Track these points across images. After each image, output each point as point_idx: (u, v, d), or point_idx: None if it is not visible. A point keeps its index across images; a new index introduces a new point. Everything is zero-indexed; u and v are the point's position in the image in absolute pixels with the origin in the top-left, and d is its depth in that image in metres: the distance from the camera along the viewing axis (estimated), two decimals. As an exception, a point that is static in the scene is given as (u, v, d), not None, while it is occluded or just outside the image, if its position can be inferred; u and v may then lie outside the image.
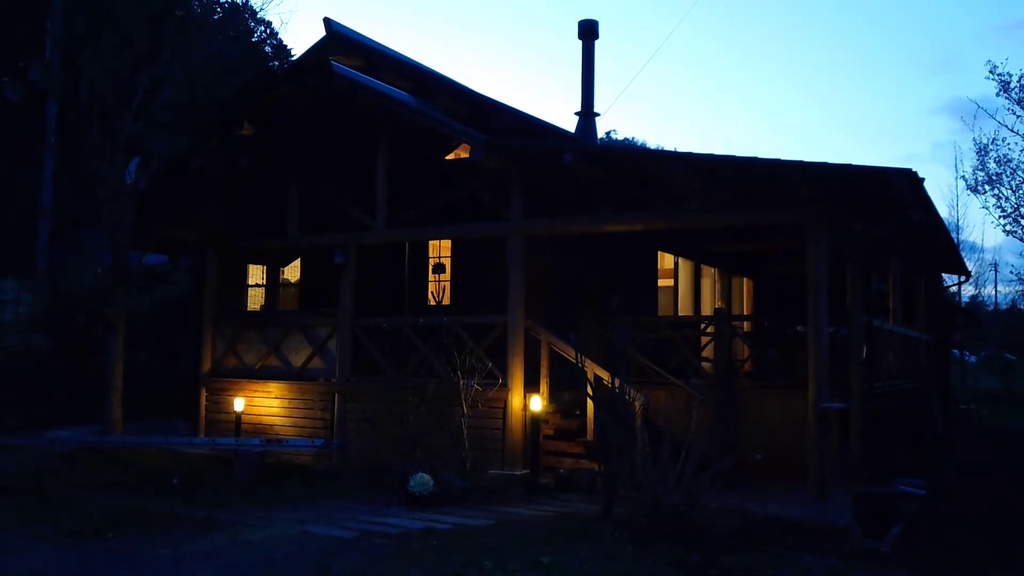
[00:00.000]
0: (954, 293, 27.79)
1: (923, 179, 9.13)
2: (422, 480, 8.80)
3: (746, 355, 14.70)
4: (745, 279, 18.78)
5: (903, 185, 8.67)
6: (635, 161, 8.95)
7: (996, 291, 44.14)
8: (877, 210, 9.18)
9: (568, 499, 9.34)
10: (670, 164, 8.51)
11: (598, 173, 9.57)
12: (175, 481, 10.22)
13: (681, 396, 10.80)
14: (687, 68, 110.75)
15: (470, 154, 9.84)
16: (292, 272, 15.86)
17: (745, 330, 14.81)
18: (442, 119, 10.36)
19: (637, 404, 9.40)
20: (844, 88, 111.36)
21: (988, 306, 45.59)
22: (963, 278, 22.65)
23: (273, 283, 15.37)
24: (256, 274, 15.72)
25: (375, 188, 11.49)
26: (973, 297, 42.10)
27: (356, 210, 11.66)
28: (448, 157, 12.86)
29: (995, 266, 41.99)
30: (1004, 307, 46.39)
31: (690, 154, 8.41)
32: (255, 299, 15.87)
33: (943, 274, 21.86)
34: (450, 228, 11.20)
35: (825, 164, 7.87)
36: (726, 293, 17.65)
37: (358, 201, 11.76)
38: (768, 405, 10.79)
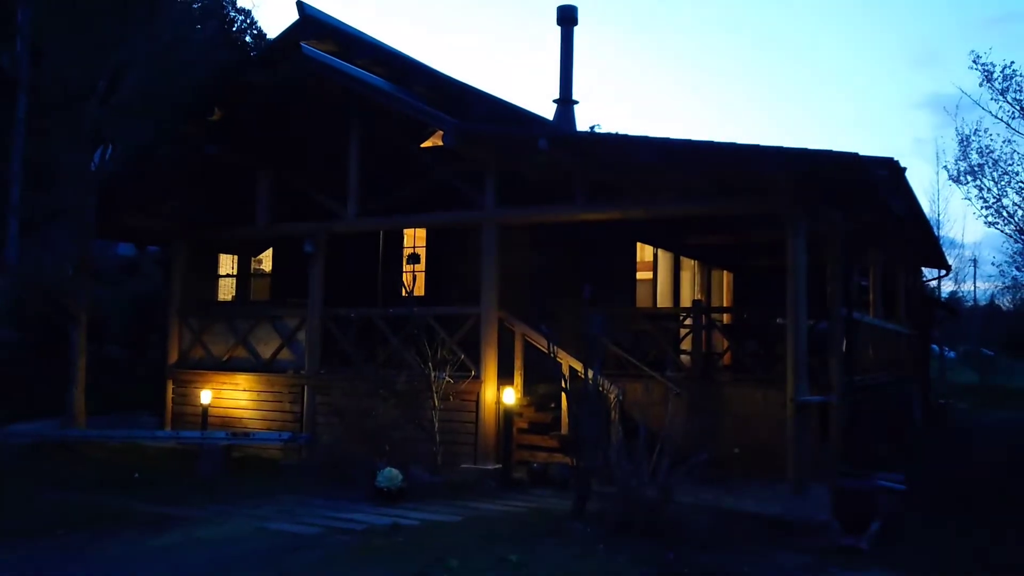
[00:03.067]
0: (933, 288, 27.85)
1: (905, 168, 8.96)
2: (390, 475, 8.52)
3: (725, 348, 14.55)
4: (725, 272, 18.61)
5: (885, 174, 8.50)
6: (611, 147, 8.70)
7: (975, 287, 44.29)
8: (858, 199, 8.99)
9: (541, 494, 9.09)
10: (647, 150, 8.27)
11: (574, 160, 9.32)
12: (136, 476, 9.89)
13: (658, 389, 10.61)
14: (671, 62, 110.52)
15: (443, 140, 9.56)
16: (265, 262, 15.51)
17: (725, 322, 14.65)
18: (413, 102, 10.07)
19: (612, 397, 9.17)
20: (823, 82, 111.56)
21: (967, 302, 45.80)
22: (943, 272, 22.66)
23: (244, 273, 15.03)
24: (227, 264, 15.37)
25: (347, 176, 11.18)
26: (952, 293, 42.24)
27: (327, 198, 11.35)
28: (424, 145, 12.54)
29: (974, 262, 42.10)
30: (982, 303, 46.59)
31: (667, 139, 8.17)
32: (227, 289, 15.51)
33: (923, 268, 21.84)
34: (422, 217, 10.91)
35: (805, 150, 7.66)
36: (706, 286, 17.46)
37: (330, 189, 11.44)
38: (747, 398, 10.62)
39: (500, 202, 10.13)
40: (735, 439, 10.52)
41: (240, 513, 8.22)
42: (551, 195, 10.13)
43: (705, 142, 7.96)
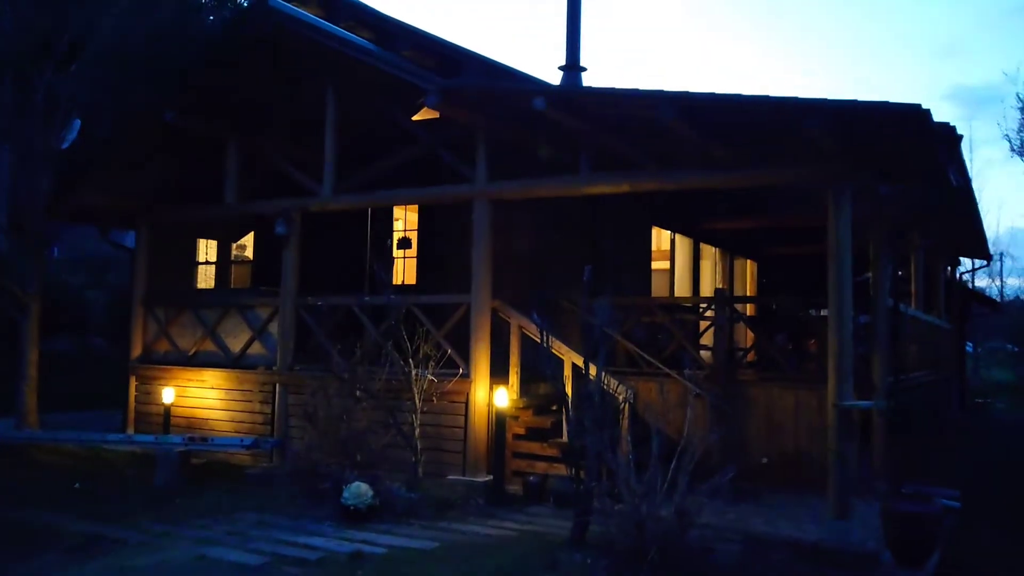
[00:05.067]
0: (966, 280, 26.34)
1: (961, 136, 7.61)
2: (357, 491, 7.26)
3: (749, 343, 13.19)
4: (748, 261, 17.22)
5: (938, 143, 7.16)
6: (619, 104, 7.39)
7: (1002, 282, 42.32)
8: (915, 167, 7.63)
9: (537, 512, 7.80)
10: (662, 107, 6.93)
11: (577, 123, 8.00)
12: (76, 486, 8.71)
13: (675, 389, 9.32)
14: (686, 35, 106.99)
15: (425, 102, 8.27)
16: (248, 248, 14.29)
17: (750, 315, 13.32)
18: (388, 57, 8.82)
19: (621, 398, 7.86)
20: (844, 74, 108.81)
21: (994, 297, 43.93)
22: (983, 263, 21.14)
23: (225, 260, 13.80)
24: (209, 250, 14.16)
25: (323, 149, 9.92)
26: (980, 289, 40.50)
27: (301, 173, 10.09)
28: (416, 118, 11.24)
29: (1001, 256, 40.17)
30: (1009, 298, 44.70)
31: (687, 93, 6.83)
32: (207, 278, 14.31)
33: (961, 258, 20.33)
34: (405, 192, 9.61)
35: (856, 101, 6.29)
36: (728, 276, 16.08)
37: (305, 164, 10.19)
38: (776, 400, 9.31)
39: (493, 175, 8.84)
40: (763, 447, 9.23)
41: (185, 535, 7.00)
42: (552, 166, 8.84)
43: (733, 95, 6.62)
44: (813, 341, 12.22)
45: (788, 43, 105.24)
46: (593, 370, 6.71)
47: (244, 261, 14.14)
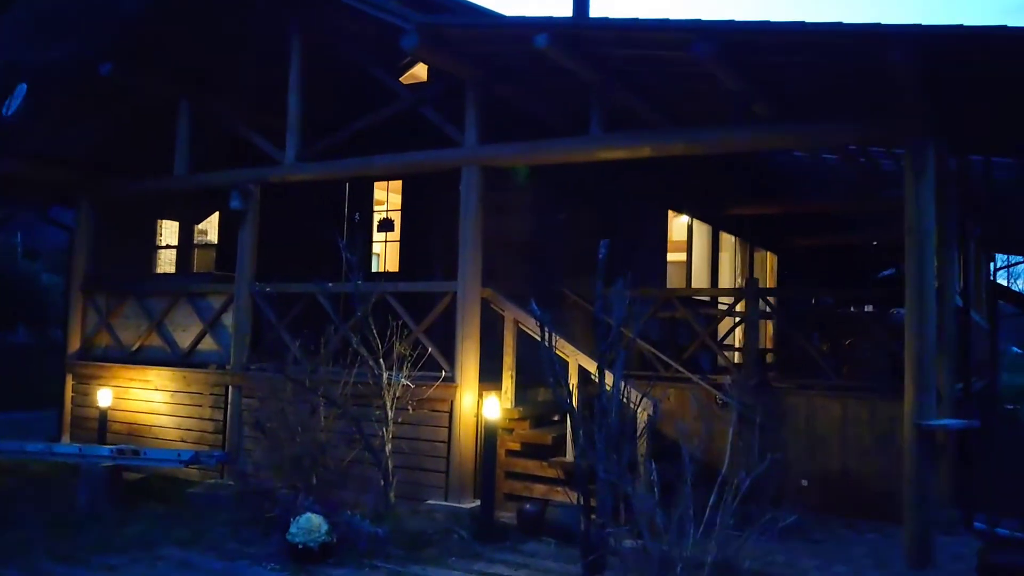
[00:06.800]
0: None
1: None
2: (309, 525, 5.75)
3: (770, 342, 11.71)
4: (769, 253, 15.71)
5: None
6: (642, 42, 5.86)
7: (1009, 282, 40.86)
8: (1010, 124, 6.11)
9: (534, 551, 6.28)
10: (699, 43, 5.40)
11: (587, 72, 6.49)
12: (-23, 510, 7.21)
13: (699, 397, 7.85)
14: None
15: (402, 42, 6.74)
16: (211, 231, 12.79)
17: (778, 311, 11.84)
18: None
19: (643, 415, 6.34)
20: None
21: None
22: (1020, 259, 19.62)
23: (187, 243, 12.29)
24: (168, 233, 12.67)
25: (287, 110, 8.41)
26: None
27: (262, 139, 8.58)
28: (400, 80, 9.70)
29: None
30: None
31: (731, 24, 5.31)
32: (169, 263, 12.81)
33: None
34: (381, 160, 8.05)
35: (959, 26, 4.76)
36: (748, 270, 14.56)
37: (271, 132, 8.67)
38: (819, 411, 7.87)
39: (485, 137, 7.32)
40: (803, 466, 7.76)
41: (86, 579, 5.52)
42: (555, 127, 7.33)
43: (794, 23, 5.10)
44: (849, 341, 10.77)
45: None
46: (609, 379, 5.20)
47: (208, 245, 12.64)
